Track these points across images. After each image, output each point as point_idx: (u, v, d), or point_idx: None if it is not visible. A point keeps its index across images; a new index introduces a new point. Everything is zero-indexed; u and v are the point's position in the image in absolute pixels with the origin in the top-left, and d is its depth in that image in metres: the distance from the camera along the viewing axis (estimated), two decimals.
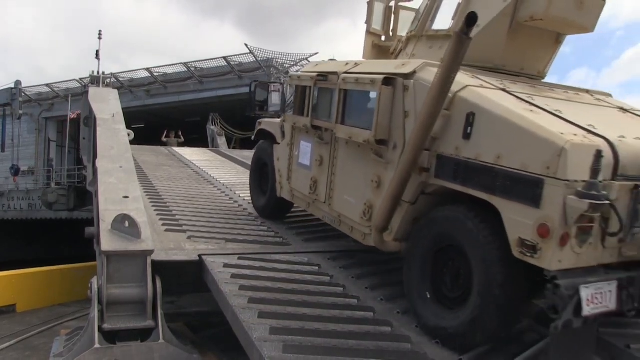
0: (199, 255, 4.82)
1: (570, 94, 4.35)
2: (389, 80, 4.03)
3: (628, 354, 3.78)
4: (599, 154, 2.79)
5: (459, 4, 4.37)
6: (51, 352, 4.84)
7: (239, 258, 4.82)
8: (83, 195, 15.86)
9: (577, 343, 3.06)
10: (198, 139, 21.49)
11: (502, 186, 3.14)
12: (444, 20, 4.52)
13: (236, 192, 8.03)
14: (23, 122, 27.08)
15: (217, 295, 4.26)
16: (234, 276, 4.35)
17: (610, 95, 4.69)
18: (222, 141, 19.27)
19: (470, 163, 3.39)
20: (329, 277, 4.63)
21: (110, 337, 4.11)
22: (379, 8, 5.41)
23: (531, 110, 3.36)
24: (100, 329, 4.05)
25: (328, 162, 4.92)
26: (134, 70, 25.09)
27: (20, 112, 21.69)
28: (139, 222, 4.50)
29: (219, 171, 10.45)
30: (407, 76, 3.97)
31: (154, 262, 4.44)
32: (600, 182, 2.82)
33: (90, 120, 8.89)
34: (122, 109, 8.17)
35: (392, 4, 5.49)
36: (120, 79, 24.30)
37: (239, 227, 5.96)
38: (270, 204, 6.31)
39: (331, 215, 4.92)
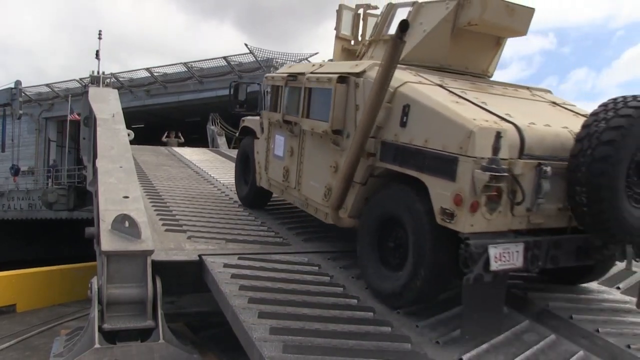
0: (199, 255, 4.82)
1: (509, 90, 4.95)
2: (343, 78, 4.68)
3: (628, 354, 3.79)
4: (498, 135, 3.31)
5: (410, 12, 5.02)
6: (51, 352, 4.84)
7: (239, 258, 4.82)
8: (83, 195, 15.87)
9: (488, 295, 3.47)
10: (198, 139, 21.50)
11: (428, 165, 3.71)
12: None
13: (236, 192, 8.03)
14: (23, 122, 27.09)
15: (217, 295, 4.27)
16: (234, 276, 4.35)
17: (549, 92, 5.31)
18: (222, 141, 19.27)
19: (406, 147, 3.96)
20: (329, 277, 4.63)
21: (110, 337, 4.11)
22: (347, 15, 6.04)
23: (457, 102, 3.94)
24: (100, 329, 4.06)
25: (297, 152, 5.53)
26: (134, 70, 25.12)
27: (20, 112, 21.69)
28: (139, 222, 4.50)
29: (219, 171, 10.45)
30: (357, 75, 4.58)
31: (154, 262, 4.44)
32: (503, 159, 3.38)
33: (90, 120, 8.89)
34: (122, 109, 8.17)
35: (361, 11, 6.04)
36: (120, 79, 24.31)
37: (239, 227, 5.96)
38: (251, 193, 6.94)
39: (300, 199, 5.55)
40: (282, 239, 5.71)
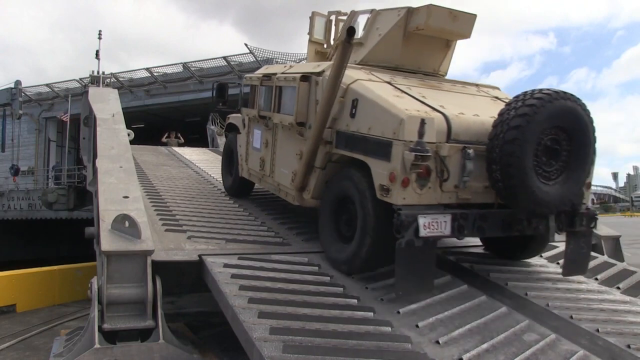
0: (199, 255, 4.81)
1: (457, 86, 5.55)
2: (305, 77, 5.36)
3: (628, 354, 3.79)
4: (422, 122, 3.92)
5: (368, 18, 5.71)
6: (51, 352, 4.84)
7: (239, 258, 4.82)
8: (83, 195, 15.85)
9: (420, 258, 4.02)
10: (198, 139, 21.48)
11: (371, 149, 4.32)
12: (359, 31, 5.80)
13: None
14: (23, 122, 27.08)
15: (217, 295, 4.26)
16: (234, 276, 4.35)
17: (497, 89, 5.83)
18: (222, 141, 19.24)
19: (354, 135, 4.59)
20: (329, 277, 4.63)
21: (110, 337, 4.11)
22: (320, 21, 6.64)
23: (397, 96, 4.56)
24: (100, 329, 4.05)
25: (271, 143, 6.24)
26: (133, 70, 25.10)
27: (20, 112, 21.68)
28: (139, 222, 4.50)
29: (219, 171, 10.42)
30: (318, 74, 5.23)
31: (154, 262, 4.43)
32: (431, 142, 4.01)
33: (90, 120, 8.88)
34: (122, 109, 8.16)
35: (333, 17, 6.60)
36: (120, 79, 24.29)
37: (239, 227, 5.95)
38: (235, 183, 7.67)
39: (273, 185, 6.22)
40: (282, 239, 5.71)
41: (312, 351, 3.28)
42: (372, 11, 5.72)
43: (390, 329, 3.74)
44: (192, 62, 22.52)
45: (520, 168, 4.04)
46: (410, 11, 5.35)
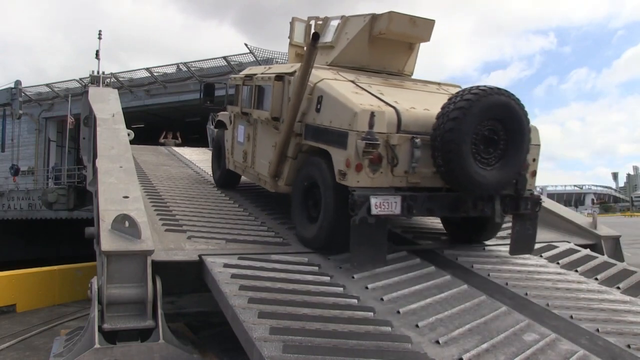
0: (199, 255, 4.81)
1: (418, 85, 6.12)
2: (279, 77, 5.97)
3: (628, 354, 3.79)
4: (372, 115, 4.49)
5: (338, 24, 6.31)
6: (51, 352, 4.84)
7: (239, 258, 4.82)
8: (83, 195, 15.83)
9: (372, 233, 4.54)
10: (198, 139, 21.46)
11: (332, 139, 4.90)
12: (330, 35, 6.46)
13: (236, 192, 8.03)
14: (23, 122, 27.07)
15: (217, 295, 4.26)
16: (234, 276, 4.35)
17: (458, 87, 6.18)
18: None
19: (319, 127, 5.16)
20: (329, 277, 4.63)
21: (110, 337, 4.10)
22: (300, 26, 7.19)
23: (356, 93, 5.12)
24: (100, 329, 4.05)
25: (252, 137, 6.86)
26: (133, 70, 25.08)
27: (20, 112, 21.67)
28: (139, 222, 4.49)
29: None
30: (290, 74, 5.79)
31: (154, 262, 4.43)
32: (381, 132, 4.57)
33: (90, 120, 8.87)
34: (122, 109, 8.16)
35: (312, 22, 7.02)
36: (120, 79, 24.28)
37: (239, 227, 5.95)
38: (222, 175, 8.30)
39: (255, 175, 6.85)
40: (282, 239, 5.71)
41: (312, 351, 3.28)
42: (342, 17, 6.35)
43: (390, 329, 3.74)
44: (192, 62, 22.51)
45: (458, 154, 4.56)
46: (374, 17, 5.90)
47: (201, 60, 22.45)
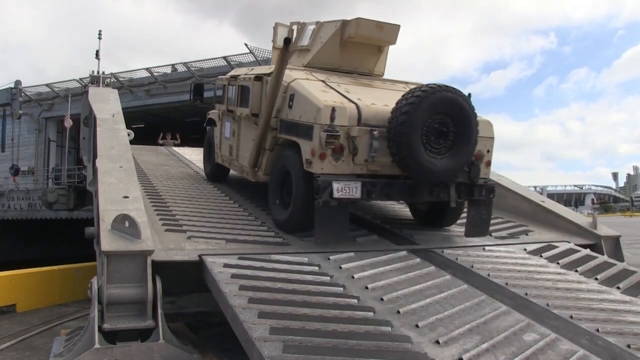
0: (199, 255, 4.81)
1: (387, 84, 6.64)
2: (258, 77, 6.58)
3: (628, 354, 3.79)
4: (333, 110, 5.05)
5: (314, 29, 6.91)
6: (51, 352, 4.84)
7: (239, 258, 4.82)
8: (83, 195, 15.83)
9: (335, 214, 5.11)
10: (198, 139, 21.42)
11: (300, 132, 5.45)
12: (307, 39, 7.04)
13: (236, 192, 8.03)
14: (23, 122, 27.08)
15: (217, 295, 4.26)
16: (234, 276, 4.34)
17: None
18: None
19: (291, 122, 5.71)
20: (329, 277, 4.63)
21: (110, 337, 4.10)
22: (283, 30, 7.71)
23: (324, 91, 5.64)
24: (100, 329, 4.05)
25: (237, 133, 7.47)
26: (133, 70, 25.08)
27: (20, 112, 21.69)
28: (139, 222, 4.49)
29: None
30: (268, 75, 6.26)
31: (154, 262, 4.43)
32: (343, 125, 5.13)
33: (90, 120, 8.87)
34: (122, 109, 8.15)
35: (295, 27, 7.53)
36: (120, 79, 24.28)
37: (239, 227, 5.95)
38: (213, 169, 8.90)
39: (239, 167, 7.44)
40: (282, 239, 5.70)
41: (312, 351, 3.28)
42: (317, 23, 6.96)
43: (390, 329, 3.74)
44: (192, 62, 22.52)
45: (409, 144, 5.07)
46: (344, 23, 6.51)
47: (201, 60, 22.47)
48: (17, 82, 20.92)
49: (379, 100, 5.58)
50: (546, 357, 3.61)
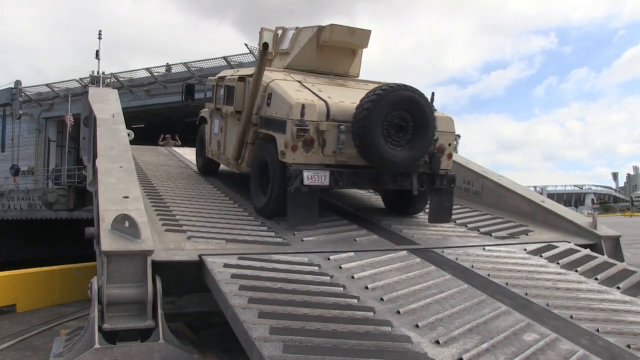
0: (199, 255, 4.81)
1: (360, 84, 7.17)
2: (242, 78, 7.21)
3: (628, 354, 3.79)
4: (303, 107, 5.66)
5: (293, 34, 7.62)
6: (51, 352, 4.84)
7: (239, 258, 4.82)
8: (83, 195, 15.85)
9: (306, 200, 5.72)
10: None
11: (276, 127, 6.05)
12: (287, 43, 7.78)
13: (236, 192, 8.03)
14: (23, 122, 27.09)
15: (217, 295, 4.26)
16: (234, 276, 4.34)
17: None
18: None
19: (269, 118, 6.33)
20: (329, 277, 4.63)
21: (110, 337, 4.10)
22: (268, 35, 8.06)
23: (298, 90, 6.21)
24: (100, 329, 4.05)
25: (224, 129, 8.13)
26: (134, 70, 25.09)
27: (20, 112, 21.70)
28: (139, 222, 4.49)
29: None
30: (250, 76, 6.81)
31: (154, 262, 4.43)
32: (313, 120, 5.71)
33: (90, 120, 8.87)
34: (122, 109, 8.15)
35: (279, 32, 8.12)
36: (120, 79, 24.29)
37: (239, 227, 5.95)
38: (204, 163, 9.54)
39: (226, 160, 8.07)
40: (282, 239, 5.70)
41: (312, 351, 3.28)
42: (296, 28, 7.63)
43: (390, 329, 3.74)
44: (192, 62, 22.53)
45: (370, 137, 5.65)
46: (320, 28, 7.19)
47: (201, 61, 22.48)
48: (17, 82, 20.93)
49: (348, 99, 6.10)
50: (546, 357, 3.61)
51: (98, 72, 18.02)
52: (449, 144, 6.47)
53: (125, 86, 23.98)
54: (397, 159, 5.80)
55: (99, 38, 20.57)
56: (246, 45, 21.45)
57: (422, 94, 5.90)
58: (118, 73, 24.38)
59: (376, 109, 5.61)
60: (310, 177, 5.63)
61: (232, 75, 7.74)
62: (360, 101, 5.73)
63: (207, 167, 9.49)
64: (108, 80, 20.57)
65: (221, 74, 8.52)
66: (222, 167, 9.23)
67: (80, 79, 24.67)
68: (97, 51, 20.07)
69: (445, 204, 6.52)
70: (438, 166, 6.28)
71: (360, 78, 7.75)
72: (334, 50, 7.40)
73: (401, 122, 5.81)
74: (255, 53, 20.30)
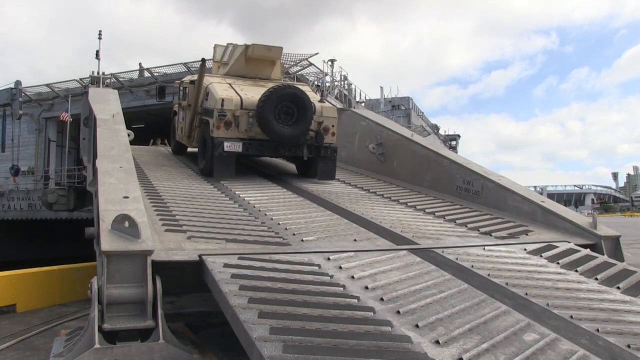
0: (199, 255, 4.81)
1: (276, 84, 9.55)
2: (192, 82, 10.65)
3: (628, 354, 3.79)
4: (222, 100, 9.02)
5: (230, 50, 11.15)
6: (51, 352, 4.84)
7: (239, 258, 4.81)
8: (83, 195, 15.85)
9: (226, 161, 8.98)
10: None
11: (209, 114, 9.33)
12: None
13: (236, 192, 8.04)
14: (23, 122, 27.04)
15: (217, 295, 4.26)
16: (234, 276, 4.34)
17: (307, 85, 12.26)
18: None
19: (207, 108, 9.53)
20: (329, 277, 4.63)
21: (110, 337, 4.10)
22: (220, 49, 11.95)
23: (225, 90, 9.51)
24: (100, 329, 4.05)
25: (185, 118, 11.11)
26: (134, 70, 25.08)
27: (20, 112, 21.65)
28: (138, 222, 4.49)
29: None
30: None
31: (154, 262, 4.43)
32: (230, 109, 9.05)
33: (90, 120, 8.88)
34: (122, 109, 8.16)
35: (230, 46, 11.35)
36: (120, 79, 24.28)
37: (239, 227, 5.95)
38: (175, 145, 12.76)
39: (185, 139, 11.30)
40: (282, 239, 5.70)
41: (312, 351, 3.28)
42: (234, 45, 11.13)
43: (390, 329, 3.74)
44: (192, 62, 22.51)
45: (266, 120, 8.93)
46: (247, 46, 10.60)
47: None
48: (17, 83, 20.89)
49: (258, 94, 9.12)
50: (546, 357, 3.60)
51: (98, 73, 17.98)
52: (332, 125, 9.74)
53: (125, 86, 23.96)
54: (285, 134, 9.05)
55: (99, 38, 20.51)
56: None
57: (302, 91, 9.27)
58: (118, 73, 24.38)
59: (268, 101, 8.88)
60: (229, 146, 8.86)
61: (188, 80, 11.19)
62: (261, 96, 8.91)
63: (178, 148, 12.65)
64: (108, 81, 20.57)
65: (185, 79, 11.83)
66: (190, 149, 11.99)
67: (80, 79, 24.63)
68: (97, 51, 20.02)
69: (329, 167, 9.79)
70: (322, 140, 9.54)
71: (280, 80, 11.04)
72: (257, 62, 10.74)
73: (288, 109, 9.05)
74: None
